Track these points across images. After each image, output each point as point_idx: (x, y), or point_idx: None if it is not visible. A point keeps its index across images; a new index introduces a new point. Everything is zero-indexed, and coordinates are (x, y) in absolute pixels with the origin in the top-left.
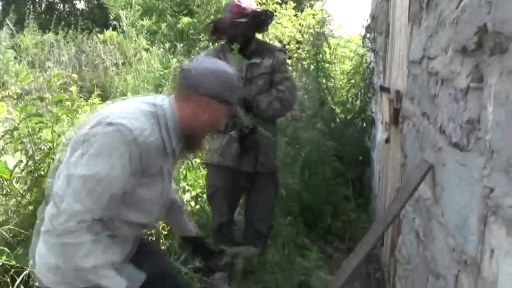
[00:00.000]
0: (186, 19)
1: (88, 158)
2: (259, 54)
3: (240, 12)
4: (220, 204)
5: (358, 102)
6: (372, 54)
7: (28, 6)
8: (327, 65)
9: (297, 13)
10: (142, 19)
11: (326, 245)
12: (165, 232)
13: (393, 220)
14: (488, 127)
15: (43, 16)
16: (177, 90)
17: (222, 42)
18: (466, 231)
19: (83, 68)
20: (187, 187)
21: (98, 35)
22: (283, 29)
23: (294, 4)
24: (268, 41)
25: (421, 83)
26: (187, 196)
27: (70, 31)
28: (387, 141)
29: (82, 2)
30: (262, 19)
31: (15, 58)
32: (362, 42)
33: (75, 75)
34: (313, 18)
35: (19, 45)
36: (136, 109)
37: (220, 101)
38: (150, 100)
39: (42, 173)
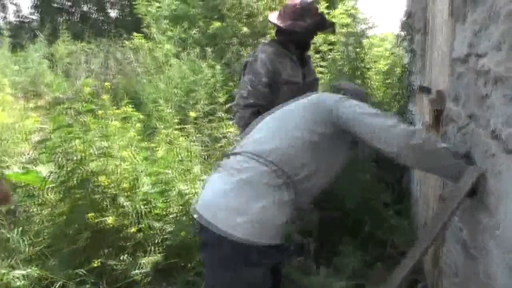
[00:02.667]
0: (217, 24)
1: None
2: (306, 60)
3: (321, 18)
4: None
5: (395, 103)
6: (409, 53)
7: (63, 16)
8: (362, 65)
9: (329, 11)
10: (176, 26)
11: (367, 253)
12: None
13: (442, 230)
14: None
15: (78, 25)
16: None
17: (270, 43)
18: None
19: (115, 75)
20: None
21: (126, 41)
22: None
23: (327, 4)
24: None
25: (467, 82)
26: None
27: (104, 39)
28: None
29: (116, 11)
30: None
31: (50, 67)
32: (397, 41)
33: (108, 83)
34: (346, 16)
35: (54, 55)
36: None
37: None
38: None
39: (73, 183)
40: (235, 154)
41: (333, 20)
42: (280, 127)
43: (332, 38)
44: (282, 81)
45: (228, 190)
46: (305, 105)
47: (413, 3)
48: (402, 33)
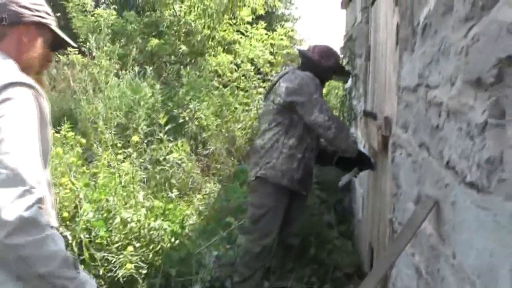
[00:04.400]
0: (154, 41)
1: None
2: None
3: (342, 65)
4: (270, 225)
5: None
6: (352, 77)
7: None
8: None
9: (268, 33)
10: (113, 43)
11: (312, 275)
12: (145, 271)
13: (397, 258)
14: None
15: None
16: None
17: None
18: (493, 281)
19: (49, 92)
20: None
21: (61, 56)
22: (255, 51)
23: (265, 24)
24: (239, 63)
25: (417, 111)
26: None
27: None
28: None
29: None
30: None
31: None
32: None
33: None
34: (284, 38)
35: None
36: None
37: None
38: None
39: None
40: None
41: (272, 41)
42: None
43: (272, 58)
44: None
45: None
46: None
47: (353, 29)
48: (343, 57)
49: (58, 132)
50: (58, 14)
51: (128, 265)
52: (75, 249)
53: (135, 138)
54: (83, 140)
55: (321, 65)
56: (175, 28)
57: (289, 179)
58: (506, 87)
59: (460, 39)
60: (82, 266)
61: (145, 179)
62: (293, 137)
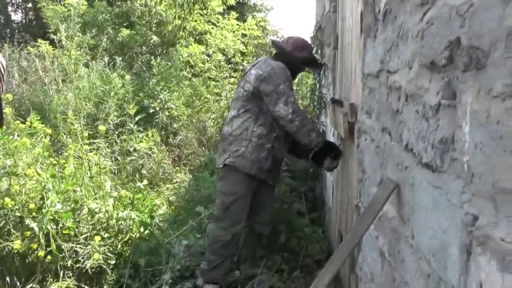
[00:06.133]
0: (125, 31)
1: None
2: None
3: (315, 57)
4: (239, 212)
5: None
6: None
7: None
8: None
9: (239, 23)
10: (84, 33)
11: (282, 263)
12: (113, 262)
13: (360, 241)
14: (465, 148)
15: None
16: None
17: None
18: (445, 259)
19: (19, 85)
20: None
21: (31, 48)
22: (227, 41)
23: (237, 15)
24: (211, 53)
25: (380, 97)
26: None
27: (6, 45)
28: None
29: (19, 14)
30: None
31: None
32: None
33: (9, 95)
34: (256, 28)
35: None
36: None
37: None
38: None
39: None
40: None
41: (243, 31)
42: None
43: (243, 48)
44: None
45: None
46: None
47: (323, 19)
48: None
49: (24, 123)
50: (30, 5)
51: (96, 256)
52: (42, 240)
53: (102, 128)
54: (49, 130)
55: (293, 56)
56: (146, 18)
57: (257, 168)
58: (456, 68)
59: (417, 24)
60: (49, 257)
61: (115, 170)
62: (263, 125)
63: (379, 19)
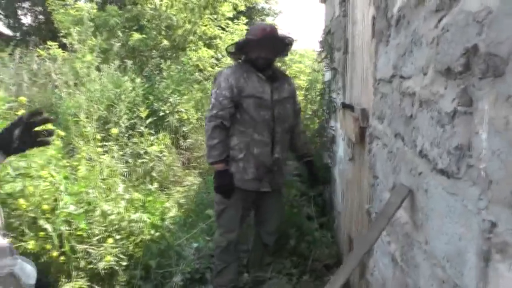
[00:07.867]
0: (136, 35)
1: None
2: (277, 78)
3: (265, 36)
4: (231, 221)
5: (316, 118)
6: (331, 70)
7: None
8: None
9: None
10: (95, 36)
11: (292, 267)
12: (125, 263)
13: (371, 247)
14: (482, 155)
15: None
16: None
17: (239, 62)
18: (461, 265)
19: (30, 88)
20: (144, 216)
21: (41, 51)
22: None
23: (246, 20)
24: (220, 57)
25: (392, 102)
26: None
27: (18, 48)
28: (351, 159)
29: (29, 18)
30: (285, 44)
31: None
32: (318, 58)
33: (23, 98)
34: None
35: None
36: None
37: None
38: None
39: None
40: None
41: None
42: None
43: None
44: (245, 95)
45: None
46: None
47: (332, 23)
48: (322, 51)
49: None
50: (40, 8)
51: (108, 257)
52: (56, 242)
53: (114, 131)
54: (62, 132)
55: (247, 42)
56: (156, 22)
57: (239, 180)
58: (473, 75)
59: (431, 30)
60: (63, 258)
61: (126, 173)
62: (233, 135)
63: (392, 24)
